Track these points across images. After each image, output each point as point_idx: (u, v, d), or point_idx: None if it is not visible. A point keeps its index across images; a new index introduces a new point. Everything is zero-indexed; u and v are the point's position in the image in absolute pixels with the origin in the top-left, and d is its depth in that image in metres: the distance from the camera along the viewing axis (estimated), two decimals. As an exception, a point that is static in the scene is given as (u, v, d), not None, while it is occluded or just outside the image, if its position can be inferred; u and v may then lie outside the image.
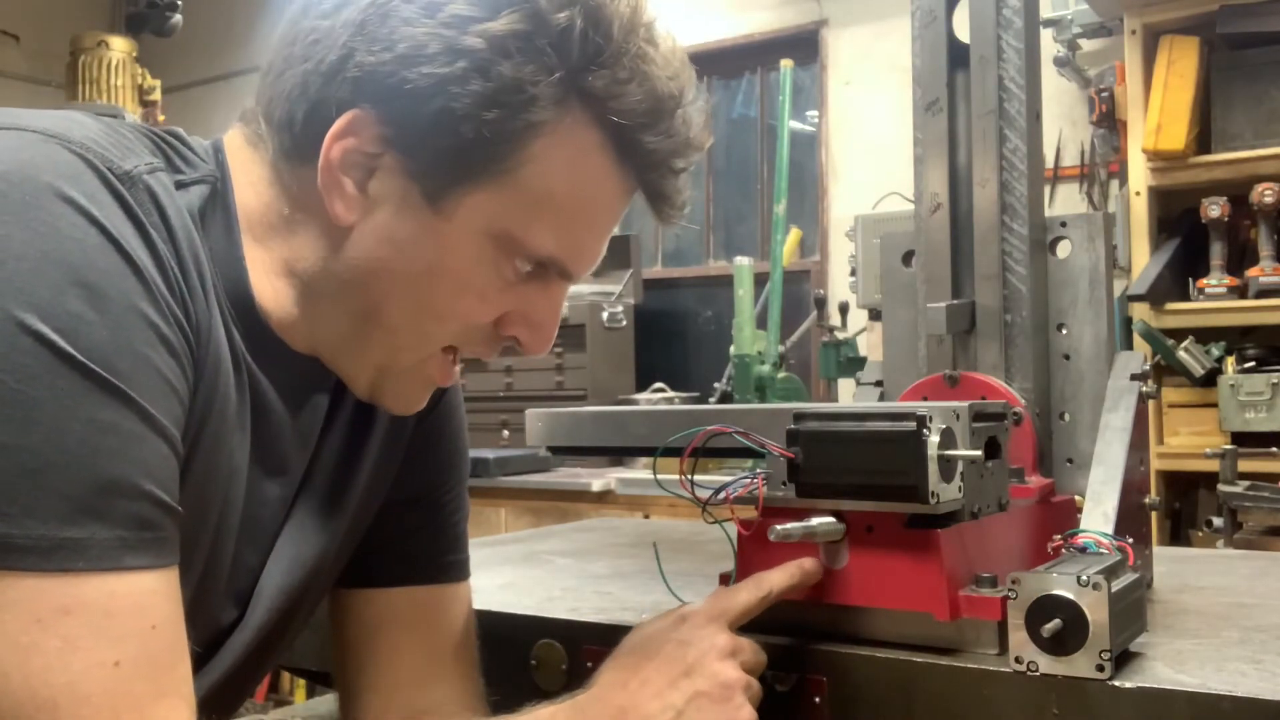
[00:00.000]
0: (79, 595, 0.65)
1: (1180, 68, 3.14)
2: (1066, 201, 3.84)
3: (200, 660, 0.86)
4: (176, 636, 0.70)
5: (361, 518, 0.98)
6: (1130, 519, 1.04)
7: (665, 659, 0.84)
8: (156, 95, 3.73)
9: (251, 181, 0.85)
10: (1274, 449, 2.90)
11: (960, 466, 0.86)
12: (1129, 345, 3.12)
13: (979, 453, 0.87)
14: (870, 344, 3.58)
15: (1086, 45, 3.75)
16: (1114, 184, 3.75)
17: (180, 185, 0.79)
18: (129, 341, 0.68)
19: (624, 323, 4.31)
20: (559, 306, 0.89)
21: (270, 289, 0.84)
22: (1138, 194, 3.19)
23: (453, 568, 1.03)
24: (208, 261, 0.79)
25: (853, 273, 3.69)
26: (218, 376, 0.78)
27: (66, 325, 0.65)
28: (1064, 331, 1.17)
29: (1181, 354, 3.04)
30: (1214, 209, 3.05)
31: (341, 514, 0.95)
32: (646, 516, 3.25)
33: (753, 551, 0.92)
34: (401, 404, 0.91)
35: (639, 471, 3.57)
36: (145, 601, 0.68)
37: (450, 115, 0.77)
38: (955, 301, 1.16)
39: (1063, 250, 1.18)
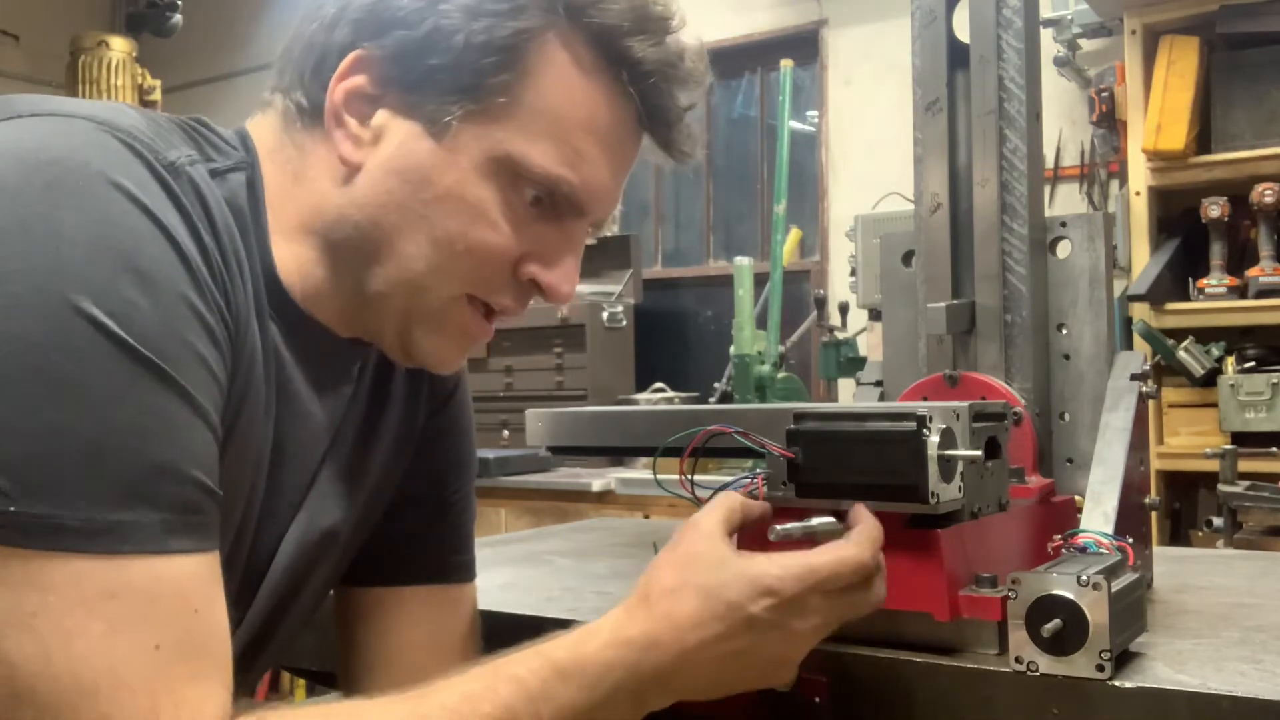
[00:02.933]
0: (124, 578, 0.65)
1: (1180, 68, 3.14)
2: (1066, 201, 3.84)
3: None
4: (217, 620, 0.71)
5: (373, 505, 0.98)
6: (1130, 519, 1.04)
7: (763, 657, 0.80)
8: (156, 95, 3.73)
9: (270, 152, 0.86)
10: (1274, 449, 2.90)
11: (960, 466, 0.86)
12: (1129, 345, 3.12)
13: (979, 453, 0.87)
14: (870, 344, 3.58)
15: (1086, 45, 3.75)
16: (1114, 184, 3.75)
17: (216, 173, 0.81)
18: (177, 329, 0.69)
19: (624, 323, 4.31)
20: (578, 246, 0.88)
21: (293, 259, 0.85)
22: (1138, 194, 3.19)
23: (460, 568, 1.04)
24: (244, 251, 0.80)
25: (853, 273, 3.69)
26: (253, 365, 0.79)
27: (119, 310, 0.66)
28: (1064, 331, 1.17)
29: (1181, 354, 3.04)
30: (1214, 209, 3.05)
31: (355, 498, 0.95)
32: (646, 516, 3.25)
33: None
34: (437, 358, 0.89)
35: (639, 471, 3.57)
36: (188, 585, 0.68)
37: (440, 33, 0.80)
38: (955, 301, 1.16)
39: (1063, 250, 1.18)
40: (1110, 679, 0.79)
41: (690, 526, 0.84)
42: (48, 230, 0.66)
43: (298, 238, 0.85)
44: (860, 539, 0.82)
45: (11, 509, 0.63)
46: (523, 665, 0.77)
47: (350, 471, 0.94)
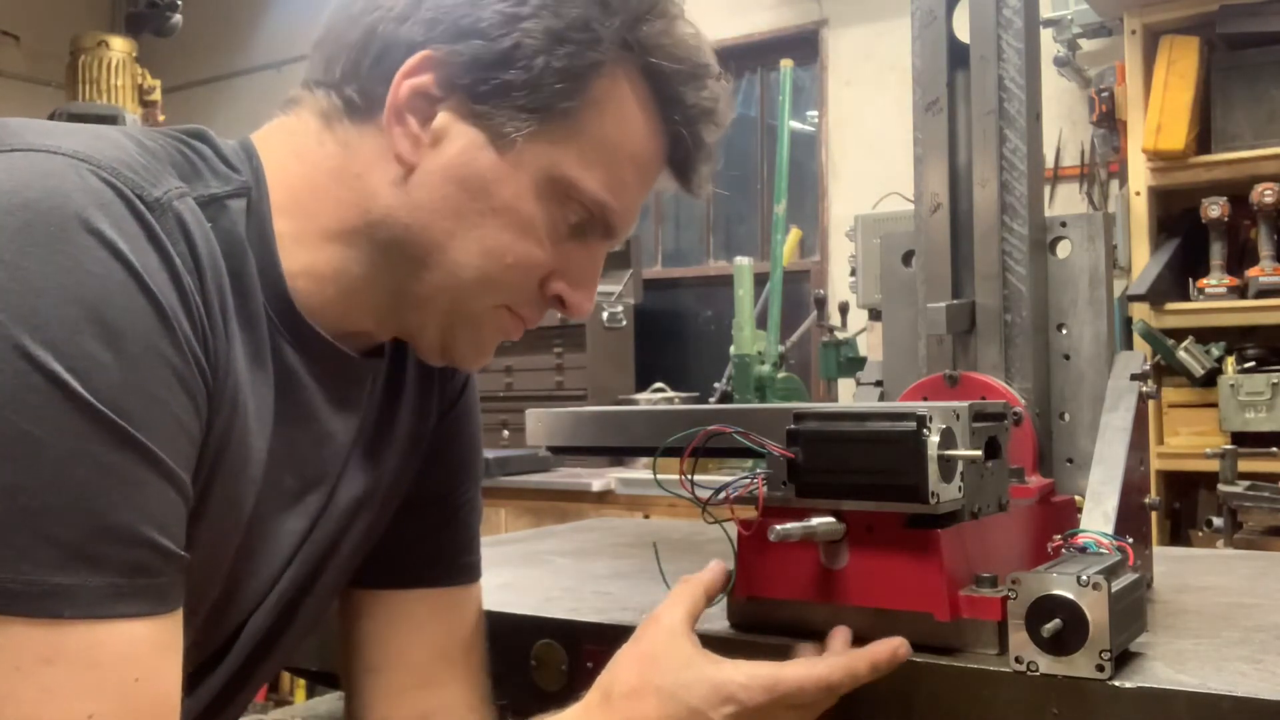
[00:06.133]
0: (62, 644, 0.63)
1: (1180, 68, 3.14)
2: (1066, 201, 3.84)
3: (211, 664, 0.87)
4: (162, 689, 0.68)
5: (384, 512, 0.98)
6: (1130, 519, 1.04)
7: None
8: (156, 95, 3.73)
9: (296, 152, 0.85)
10: (1274, 449, 2.89)
11: (960, 466, 0.86)
12: (1129, 345, 3.12)
13: (979, 453, 0.87)
14: (870, 344, 3.58)
15: (1086, 45, 3.75)
16: (1114, 184, 3.75)
17: (214, 200, 0.79)
18: (143, 383, 0.67)
19: (624, 323, 4.31)
20: (599, 267, 0.91)
21: (321, 264, 0.84)
22: (1138, 194, 3.19)
23: (467, 569, 1.03)
24: (245, 285, 0.78)
25: (853, 273, 3.69)
26: (238, 405, 0.77)
27: (80, 366, 0.64)
28: (1064, 331, 1.17)
29: (1181, 354, 3.04)
30: (1214, 209, 3.05)
31: (368, 508, 0.95)
32: (646, 516, 3.25)
33: (753, 551, 0.92)
34: (473, 358, 0.91)
35: (639, 471, 3.57)
36: (131, 652, 0.66)
37: (522, 51, 0.80)
38: (955, 301, 1.16)
39: (1063, 250, 1.18)
40: (1110, 679, 0.79)
41: (652, 622, 0.85)
42: (14, 279, 0.64)
43: (332, 239, 0.84)
44: (831, 660, 0.83)
45: None
46: None
47: (365, 483, 0.94)
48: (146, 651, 0.67)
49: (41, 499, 0.62)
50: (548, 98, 0.81)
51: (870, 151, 4.22)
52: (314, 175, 0.84)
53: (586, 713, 0.81)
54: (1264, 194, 2.99)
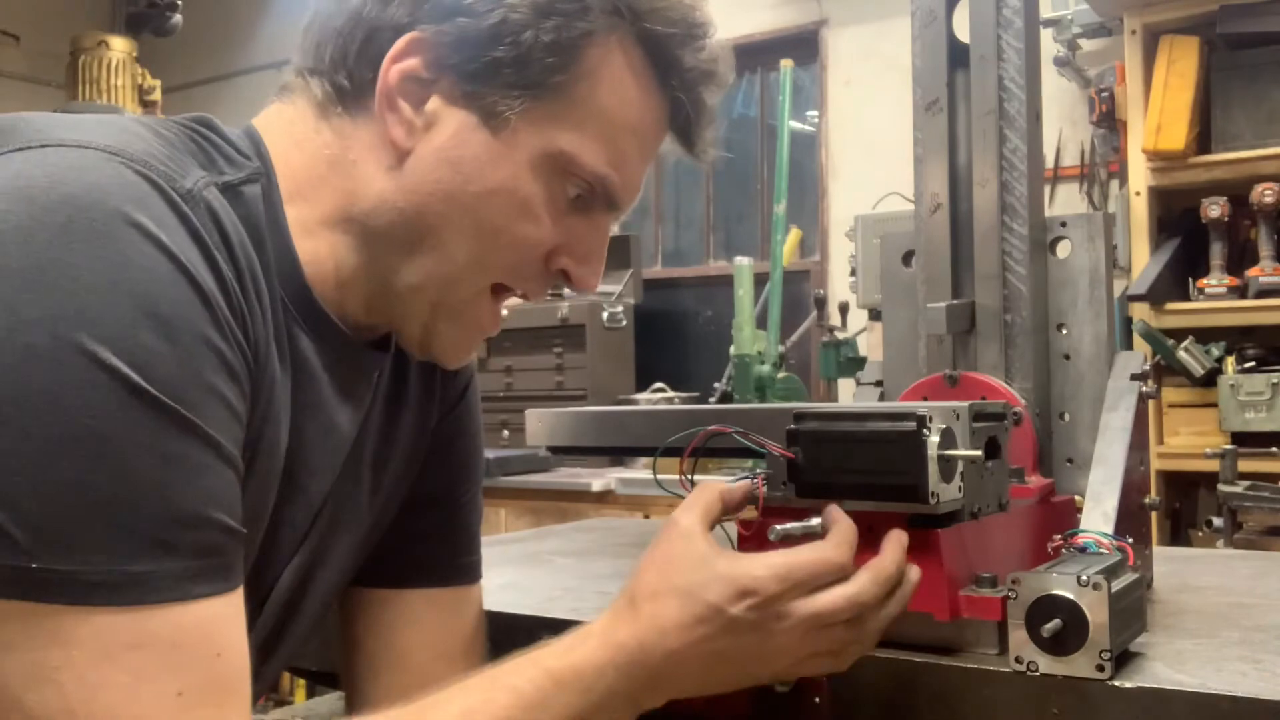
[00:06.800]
0: (148, 629, 0.65)
1: (1180, 68, 3.14)
2: (1066, 201, 3.84)
3: None
4: (239, 657, 0.71)
5: (387, 509, 0.98)
6: (1130, 519, 1.04)
7: (747, 656, 0.79)
8: (156, 95, 3.73)
9: (296, 142, 0.85)
10: (1274, 449, 2.90)
11: (960, 466, 0.86)
12: (1129, 345, 3.12)
13: (979, 453, 0.87)
14: (870, 344, 3.58)
15: (1086, 45, 3.75)
16: (1114, 184, 3.75)
17: (229, 187, 0.79)
18: (198, 371, 0.68)
19: (624, 323, 4.31)
20: (605, 240, 0.90)
21: (323, 251, 0.84)
22: (1138, 194, 3.20)
23: (468, 569, 1.04)
24: (263, 271, 0.79)
25: (853, 273, 3.69)
26: (273, 392, 0.78)
27: (139, 359, 0.65)
28: (1064, 331, 1.17)
29: (1181, 354, 3.04)
30: (1214, 209, 3.05)
31: (371, 504, 0.95)
32: (646, 516, 3.25)
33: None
34: (453, 353, 0.90)
35: (639, 471, 3.57)
36: (210, 629, 0.68)
37: (508, 26, 0.79)
38: (955, 301, 1.16)
39: (1063, 250, 1.18)
40: (1110, 679, 0.79)
41: (669, 525, 0.85)
42: (64, 276, 0.64)
43: (331, 227, 0.84)
44: (839, 541, 0.82)
45: (34, 565, 0.62)
46: (518, 675, 0.78)
47: (368, 478, 0.94)
48: (222, 627, 0.69)
49: (113, 491, 0.64)
50: (538, 73, 0.81)
51: (870, 151, 4.22)
52: (313, 164, 0.84)
53: (614, 617, 0.81)
54: (1264, 194, 2.99)
